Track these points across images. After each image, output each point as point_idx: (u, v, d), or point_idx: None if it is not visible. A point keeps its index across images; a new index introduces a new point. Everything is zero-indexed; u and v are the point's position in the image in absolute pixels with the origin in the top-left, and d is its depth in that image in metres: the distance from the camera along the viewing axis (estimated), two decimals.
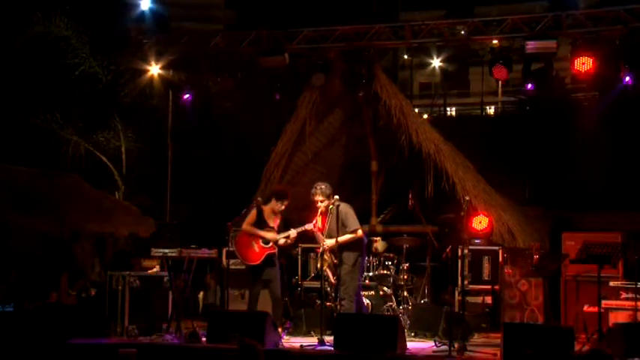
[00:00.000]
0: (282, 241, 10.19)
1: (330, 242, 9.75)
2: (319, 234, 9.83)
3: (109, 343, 9.59)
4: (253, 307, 10.16)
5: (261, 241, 10.13)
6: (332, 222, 9.79)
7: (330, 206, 9.82)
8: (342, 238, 9.71)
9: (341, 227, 9.72)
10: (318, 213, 9.80)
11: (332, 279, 9.94)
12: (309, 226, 10.11)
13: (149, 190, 16.06)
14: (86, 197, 13.99)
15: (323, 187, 9.90)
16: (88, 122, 15.88)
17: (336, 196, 9.92)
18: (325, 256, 9.83)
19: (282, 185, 11.30)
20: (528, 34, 12.32)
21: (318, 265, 9.91)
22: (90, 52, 15.70)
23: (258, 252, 10.11)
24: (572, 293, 11.00)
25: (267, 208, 10.30)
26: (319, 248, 10.42)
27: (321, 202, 9.82)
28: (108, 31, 15.82)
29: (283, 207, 10.23)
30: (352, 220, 9.80)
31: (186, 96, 14.20)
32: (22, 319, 10.53)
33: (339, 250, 9.75)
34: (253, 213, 10.27)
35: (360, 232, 9.85)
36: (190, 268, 10.40)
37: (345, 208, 9.87)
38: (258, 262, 10.08)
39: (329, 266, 9.89)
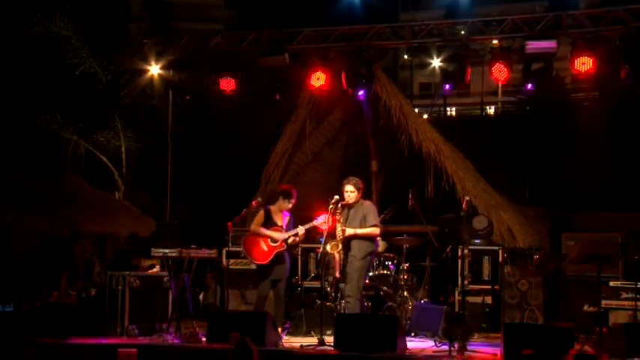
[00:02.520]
0: (290, 240, 10.21)
1: (349, 230, 9.70)
2: (338, 223, 9.75)
3: (109, 343, 9.59)
4: (260, 308, 10.15)
5: (269, 240, 10.15)
6: (354, 215, 9.78)
7: (347, 195, 9.79)
8: (361, 231, 9.71)
9: (362, 221, 9.74)
10: (345, 202, 9.74)
11: (337, 272, 9.85)
12: (316, 222, 10.13)
13: (149, 190, 16.06)
14: (86, 197, 14.00)
15: (356, 180, 9.91)
16: (88, 122, 15.87)
17: (336, 196, 9.92)
18: (339, 243, 9.73)
19: (287, 184, 11.38)
20: (528, 34, 12.32)
21: (328, 247, 9.78)
22: (90, 52, 15.70)
23: (267, 251, 10.12)
24: (572, 293, 10.99)
25: (274, 208, 10.35)
26: (319, 248, 10.42)
27: (352, 192, 9.79)
28: (108, 31, 15.83)
29: (290, 205, 10.29)
30: (373, 216, 9.82)
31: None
32: (22, 319, 10.54)
33: (350, 239, 9.71)
34: (261, 214, 10.30)
35: (378, 230, 9.84)
36: (190, 268, 10.40)
37: (370, 205, 9.93)
38: (268, 260, 10.09)
39: (339, 252, 9.76)
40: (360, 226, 9.75)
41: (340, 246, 9.70)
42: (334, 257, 9.80)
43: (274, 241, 10.14)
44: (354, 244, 9.75)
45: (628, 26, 11.89)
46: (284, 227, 10.22)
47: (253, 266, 10.59)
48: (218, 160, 17.05)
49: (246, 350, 6.52)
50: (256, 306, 10.26)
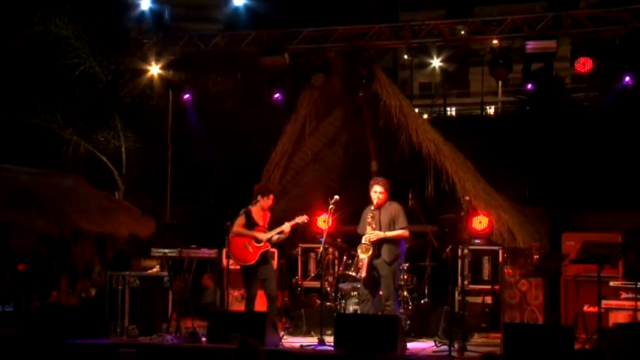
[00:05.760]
0: (275, 237, 10.20)
1: (377, 234, 9.70)
2: (368, 226, 9.73)
3: (109, 343, 9.60)
4: (251, 308, 10.16)
5: (253, 240, 10.13)
6: (383, 217, 9.77)
7: (376, 196, 9.79)
8: (391, 233, 9.70)
9: (390, 223, 9.72)
10: (374, 204, 9.76)
11: (364, 272, 9.80)
12: (300, 219, 10.13)
13: (149, 190, 16.06)
14: (86, 197, 13.98)
15: (384, 180, 9.92)
16: (88, 122, 15.87)
17: (336, 196, 9.91)
18: (369, 247, 9.69)
19: (261, 182, 11.42)
20: (528, 34, 12.32)
21: (359, 252, 9.74)
22: (90, 52, 15.69)
23: (252, 252, 10.11)
24: (572, 293, 10.99)
25: (255, 209, 10.28)
26: (319, 248, 10.40)
27: (381, 193, 9.77)
28: (108, 31, 15.82)
29: (271, 202, 10.28)
30: (403, 218, 9.79)
31: (186, 96, 14.18)
32: (22, 319, 10.55)
33: (379, 243, 9.68)
34: (242, 216, 10.24)
35: (407, 232, 9.83)
36: (190, 268, 10.39)
37: (399, 207, 9.89)
38: (254, 261, 10.09)
39: (369, 257, 9.71)
40: (389, 229, 9.72)
41: (372, 250, 9.67)
42: (362, 259, 9.76)
43: (258, 241, 10.13)
44: (384, 247, 9.71)
45: (628, 26, 11.88)
46: (266, 227, 10.22)
47: None
48: (218, 160, 17.03)
49: (249, 349, 6.51)
50: (247, 307, 10.26)
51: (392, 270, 9.72)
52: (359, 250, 9.73)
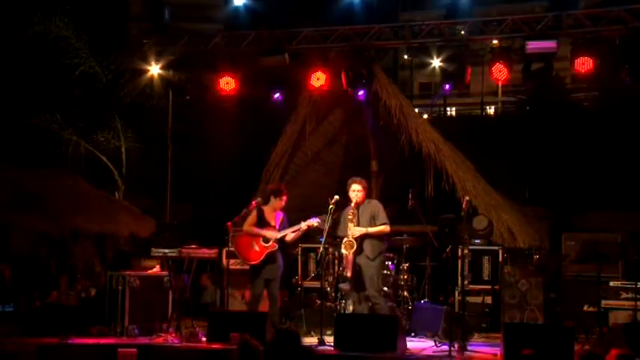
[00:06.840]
0: (290, 237, 10.19)
1: (359, 230, 9.71)
2: (350, 223, 9.75)
3: (109, 343, 9.60)
4: (255, 308, 10.15)
5: (261, 239, 10.13)
6: (363, 214, 9.79)
7: (355, 195, 9.81)
8: (373, 229, 9.72)
9: (371, 220, 9.76)
10: (353, 203, 9.78)
11: (349, 272, 9.81)
12: (312, 222, 10.13)
13: (149, 190, 16.05)
14: (86, 197, 13.99)
15: (361, 179, 9.97)
16: (88, 122, 15.87)
17: (336, 196, 9.91)
18: (353, 243, 9.70)
19: (275, 183, 11.39)
20: (528, 34, 12.31)
21: (343, 249, 9.75)
22: (90, 52, 15.70)
23: (259, 251, 10.11)
24: (572, 293, 11.00)
25: (267, 208, 10.33)
26: (319, 248, 10.40)
27: (359, 192, 9.80)
28: (108, 31, 15.83)
29: (283, 203, 10.29)
30: (383, 214, 9.84)
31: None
32: (22, 319, 10.55)
33: (362, 239, 9.69)
34: (254, 214, 10.26)
35: (388, 228, 9.85)
36: (190, 268, 10.39)
37: (378, 203, 9.96)
38: (259, 260, 10.08)
39: (353, 253, 9.72)
40: (370, 225, 9.75)
41: (355, 246, 9.67)
42: (347, 257, 9.78)
43: (266, 240, 10.13)
44: (366, 243, 9.74)
45: (628, 26, 11.87)
46: (277, 227, 10.22)
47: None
48: (218, 160, 17.03)
49: (253, 351, 6.50)
50: (250, 306, 10.25)
51: (375, 267, 9.75)
52: (342, 247, 9.75)
